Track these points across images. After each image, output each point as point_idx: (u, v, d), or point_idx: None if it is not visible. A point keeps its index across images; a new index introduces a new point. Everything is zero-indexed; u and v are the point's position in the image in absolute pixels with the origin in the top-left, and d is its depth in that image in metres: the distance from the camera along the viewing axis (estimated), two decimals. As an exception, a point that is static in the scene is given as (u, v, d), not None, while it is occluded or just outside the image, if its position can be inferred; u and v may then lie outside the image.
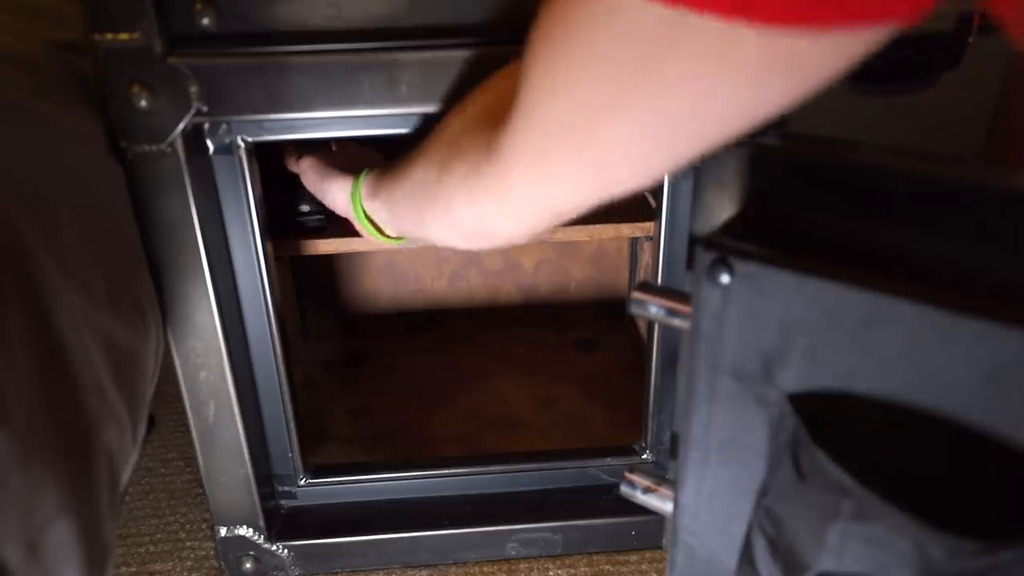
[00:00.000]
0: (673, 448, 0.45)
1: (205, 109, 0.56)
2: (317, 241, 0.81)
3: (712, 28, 0.27)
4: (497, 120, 0.41)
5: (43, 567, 0.41)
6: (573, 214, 0.41)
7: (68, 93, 0.54)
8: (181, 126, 0.56)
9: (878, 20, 0.26)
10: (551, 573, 0.77)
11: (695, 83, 0.29)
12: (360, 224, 0.62)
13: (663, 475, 0.47)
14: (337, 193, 0.63)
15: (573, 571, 0.77)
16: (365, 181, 0.60)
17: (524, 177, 0.39)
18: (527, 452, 0.81)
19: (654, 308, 0.42)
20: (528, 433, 0.88)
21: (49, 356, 0.43)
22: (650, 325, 0.72)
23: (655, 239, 0.68)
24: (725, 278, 0.35)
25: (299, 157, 0.70)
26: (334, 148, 0.72)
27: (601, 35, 0.30)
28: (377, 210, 0.59)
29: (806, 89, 0.29)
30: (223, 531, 0.74)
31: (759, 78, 0.28)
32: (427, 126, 0.59)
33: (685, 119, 0.31)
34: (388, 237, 0.62)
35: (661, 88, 0.30)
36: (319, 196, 0.66)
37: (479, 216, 0.45)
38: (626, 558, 0.78)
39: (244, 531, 0.74)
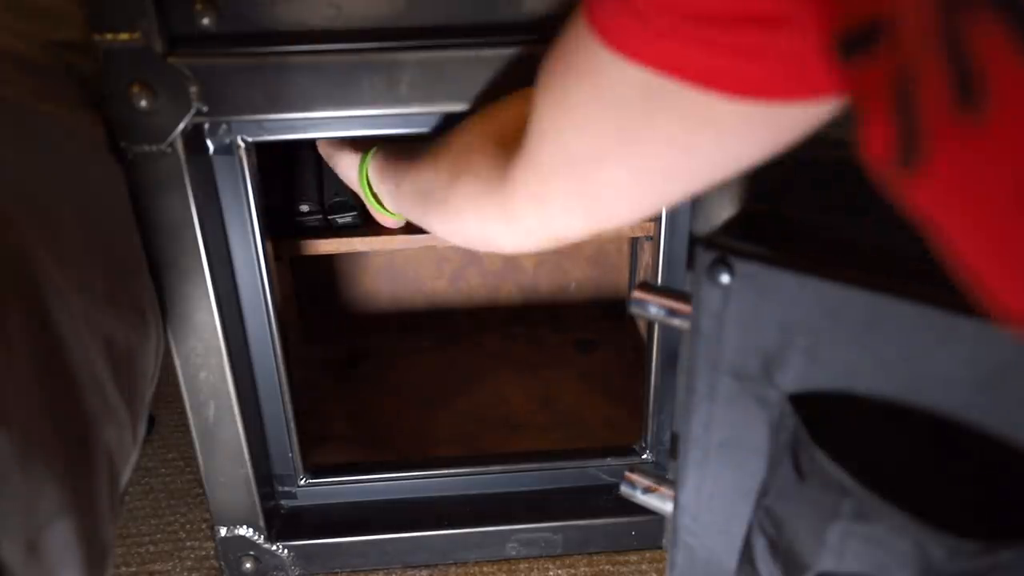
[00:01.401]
0: (673, 448, 0.45)
1: (205, 109, 0.56)
2: (317, 241, 0.81)
3: (691, 93, 0.29)
4: (510, 144, 0.44)
5: (43, 567, 0.41)
6: (575, 240, 0.44)
7: (68, 93, 0.54)
8: (181, 126, 0.56)
9: (830, 94, 0.28)
10: (551, 573, 0.77)
11: (677, 140, 0.32)
12: (367, 201, 0.65)
13: (663, 475, 0.47)
14: (347, 169, 0.66)
15: (573, 571, 0.77)
16: (373, 160, 0.63)
17: (529, 206, 0.42)
18: (527, 452, 0.81)
19: (654, 308, 0.42)
20: (528, 433, 0.88)
21: (49, 356, 0.43)
22: (650, 325, 0.72)
23: (655, 239, 0.68)
24: (725, 278, 0.35)
25: None
26: None
27: (588, 94, 0.33)
28: (383, 192, 0.62)
29: (782, 143, 0.31)
30: (223, 531, 0.74)
31: (737, 136, 0.31)
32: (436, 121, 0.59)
33: (671, 170, 0.34)
34: (394, 214, 0.65)
35: (646, 145, 0.33)
36: (332, 166, 0.69)
37: (484, 229, 0.48)
38: (626, 558, 0.78)
39: (244, 531, 0.74)
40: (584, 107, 0.34)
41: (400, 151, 0.60)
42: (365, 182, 0.64)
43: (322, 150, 0.70)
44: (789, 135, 0.31)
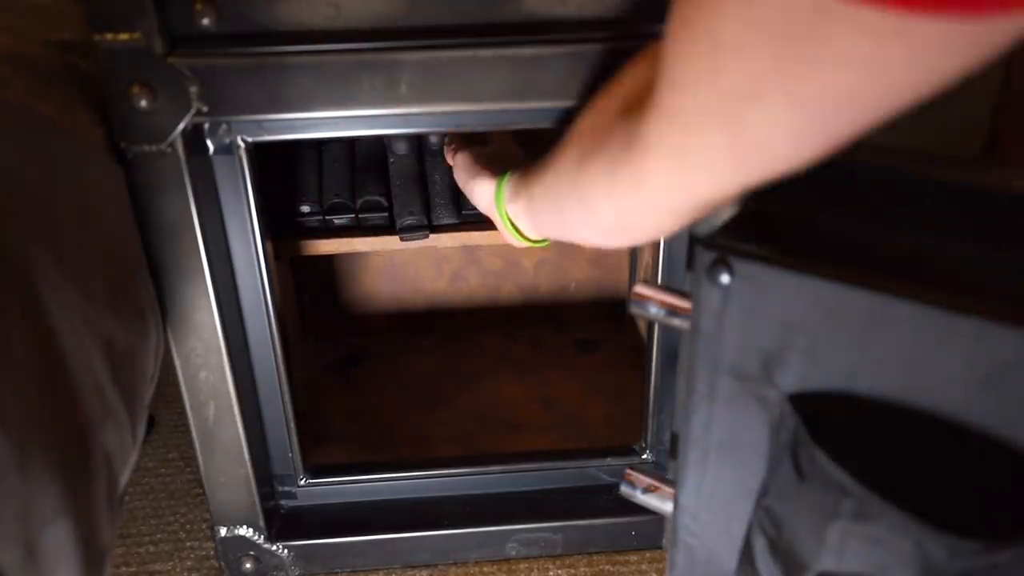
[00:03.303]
0: (673, 448, 0.45)
1: (205, 109, 0.56)
2: (317, 241, 0.81)
3: (875, 13, 0.25)
4: (636, 109, 0.39)
5: (41, 569, 0.41)
6: (716, 204, 0.39)
7: (68, 93, 0.54)
8: (181, 126, 0.56)
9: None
10: (551, 573, 0.77)
11: (857, 59, 0.27)
12: (503, 227, 0.61)
13: (663, 475, 0.47)
14: (481, 195, 0.63)
15: (573, 571, 0.77)
16: (508, 183, 0.60)
17: (665, 169, 0.37)
18: (527, 452, 0.81)
19: (654, 308, 0.42)
20: (528, 433, 0.88)
21: (47, 357, 0.43)
22: (650, 325, 0.72)
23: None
24: (725, 278, 0.35)
25: (456, 150, 0.69)
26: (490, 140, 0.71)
27: (750, 16, 0.29)
28: (519, 213, 0.58)
29: (966, 67, 0.28)
30: (223, 531, 0.74)
31: (918, 58, 0.27)
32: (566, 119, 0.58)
33: (843, 98, 0.29)
34: (531, 240, 0.61)
35: (816, 67, 0.28)
36: (467, 195, 0.66)
37: (619, 210, 0.43)
38: (626, 558, 0.78)
39: (244, 531, 0.74)
40: (735, 38, 0.30)
41: (533, 164, 0.55)
42: (502, 207, 0.60)
43: (458, 179, 0.68)
44: (991, 51, 0.27)
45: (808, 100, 0.29)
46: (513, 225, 0.60)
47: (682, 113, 0.34)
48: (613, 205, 0.43)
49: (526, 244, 0.61)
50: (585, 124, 0.47)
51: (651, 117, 0.37)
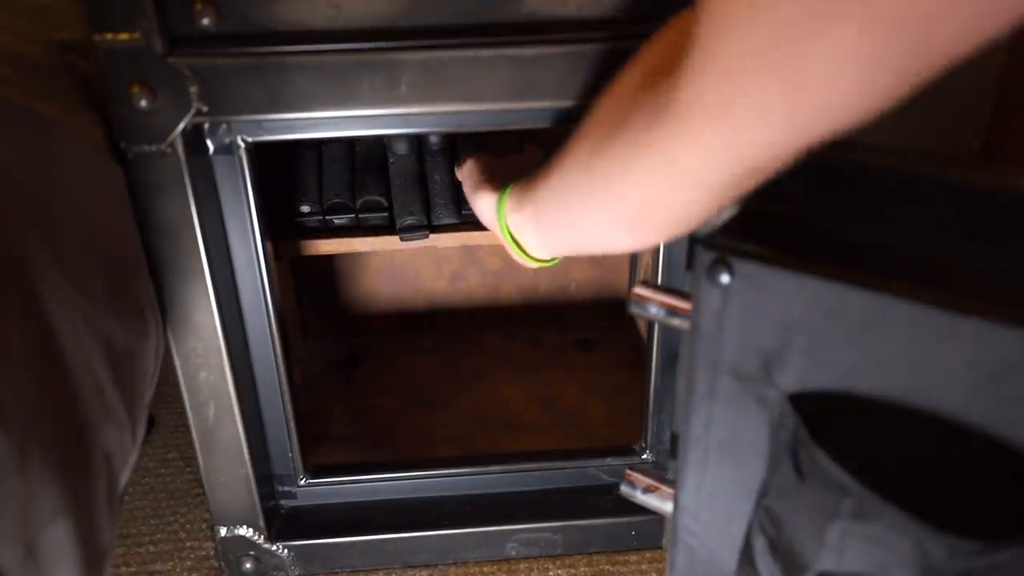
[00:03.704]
0: (673, 448, 0.45)
1: (205, 109, 0.56)
2: (317, 241, 0.81)
3: None
4: (662, 76, 0.34)
5: (41, 569, 0.41)
6: (760, 176, 0.34)
7: (68, 93, 0.54)
8: (181, 126, 0.56)
9: None
10: (551, 573, 0.77)
11: None
12: (506, 243, 0.57)
13: (663, 475, 0.47)
14: (483, 209, 0.59)
15: (573, 571, 0.77)
16: (511, 194, 0.56)
17: (706, 128, 0.32)
18: (527, 452, 0.81)
19: (654, 308, 0.42)
20: (528, 433, 0.88)
21: (47, 357, 0.43)
22: (650, 325, 0.72)
23: (655, 239, 0.68)
24: (725, 278, 0.35)
25: (463, 161, 0.67)
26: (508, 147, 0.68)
27: None
28: (522, 225, 0.54)
29: None
30: (223, 531, 0.74)
31: None
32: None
33: (929, 21, 0.24)
34: (536, 259, 0.57)
35: None
36: (473, 209, 0.63)
37: (644, 195, 0.38)
38: (626, 558, 0.78)
39: (244, 531, 0.74)
40: None
41: (540, 169, 0.51)
42: (503, 220, 0.56)
43: (465, 191, 0.65)
44: None
45: (889, 21, 0.24)
46: (516, 242, 0.56)
47: (726, 59, 0.29)
48: (637, 188, 0.39)
49: (532, 264, 0.57)
50: (602, 106, 0.42)
51: (684, 75, 0.32)
